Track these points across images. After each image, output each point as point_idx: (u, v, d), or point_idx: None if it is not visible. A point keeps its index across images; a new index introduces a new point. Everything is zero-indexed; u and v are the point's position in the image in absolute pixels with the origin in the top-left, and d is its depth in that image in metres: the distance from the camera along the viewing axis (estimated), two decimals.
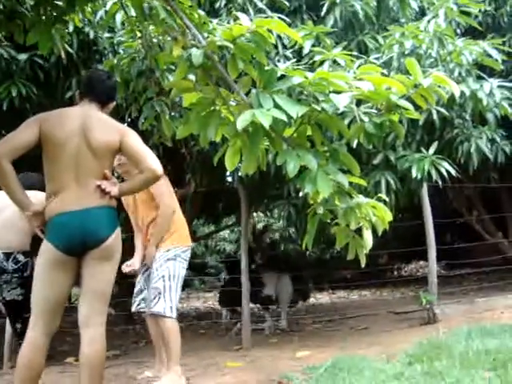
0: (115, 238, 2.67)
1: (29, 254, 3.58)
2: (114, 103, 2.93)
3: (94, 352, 2.59)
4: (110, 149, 2.68)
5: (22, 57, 4.25)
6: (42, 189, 2.78)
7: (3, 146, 2.55)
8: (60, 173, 2.64)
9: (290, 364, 4.14)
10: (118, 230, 2.71)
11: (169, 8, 2.25)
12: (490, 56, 4.29)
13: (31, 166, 3.35)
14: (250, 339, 5.14)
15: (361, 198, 2.29)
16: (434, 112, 4.20)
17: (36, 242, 2.82)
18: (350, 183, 2.33)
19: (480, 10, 5.16)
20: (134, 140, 2.69)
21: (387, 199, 2.66)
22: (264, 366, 4.20)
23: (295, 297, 6.21)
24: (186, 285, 10.70)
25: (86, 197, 2.62)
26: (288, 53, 4.38)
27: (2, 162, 2.50)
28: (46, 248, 2.64)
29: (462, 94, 4.26)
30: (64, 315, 2.89)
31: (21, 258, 3.55)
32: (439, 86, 2.25)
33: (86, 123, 2.67)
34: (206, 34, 2.37)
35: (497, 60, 4.29)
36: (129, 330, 6.40)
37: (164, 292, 3.70)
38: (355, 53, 3.74)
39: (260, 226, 10.62)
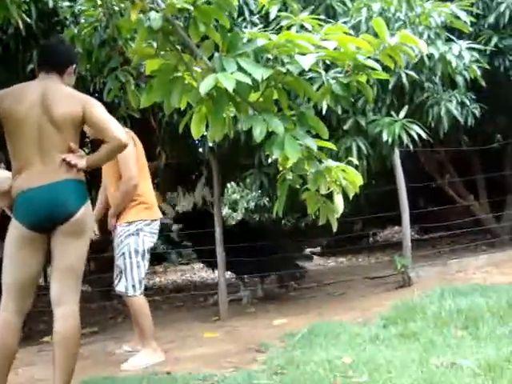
0: (84, 212, 2.60)
1: None
2: (74, 66, 2.81)
3: (67, 330, 2.55)
4: (72, 121, 2.60)
5: None
6: None
7: None
8: (23, 149, 2.57)
9: (267, 332, 4.16)
10: (88, 204, 2.65)
11: None
12: (458, 18, 4.26)
13: None
14: (227, 310, 5.15)
15: (330, 162, 2.26)
16: (404, 75, 4.18)
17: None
18: (321, 148, 2.31)
19: None
20: (96, 110, 2.61)
21: (357, 163, 2.65)
22: (241, 336, 4.22)
23: (287, 278, 6.16)
24: (163, 258, 10.67)
25: (52, 171, 2.56)
26: (255, 19, 4.30)
27: None
28: (14, 226, 2.58)
29: (431, 56, 4.24)
30: (40, 294, 2.83)
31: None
32: (407, 46, 2.22)
33: (45, 96, 2.59)
34: None
35: (465, 22, 4.26)
36: (106, 306, 6.36)
37: (125, 270, 3.60)
38: (323, 17, 3.67)
39: (235, 196, 10.58)
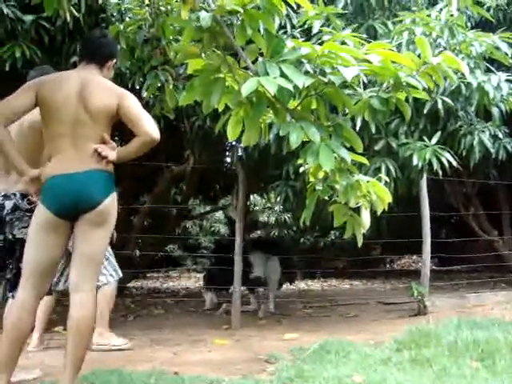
0: (110, 203, 2.62)
1: None
2: (114, 61, 2.85)
3: (82, 316, 2.56)
4: (107, 113, 2.63)
5: (28, 18, 4.17)
6: None
7: None
8: (57, 136, 2.61)
9: (277, 345, 4.14)
10: (114, 195, 2.67)
11: None
12: (499, 49, 4.24)
13: None
14: (239, 319, 5.14)
15: (361, 177, 2.27)
16: (440, 101, 4.17)
17: None
18: (352, 161, 2.31)
19: (490, 6, 5.14)
20: (131, 104, 2.63)
21: (387, 179, 2.64)
22: (251, 345, 4.20)
23: (281, 279, 6.20)
24: (178, 264, 10.70)
25: (82, 160, 2.59)
26: (296, 33, 4.34)
27: None
28: (40, 210, 2.62)
29: (469, 85, 4.23)
30: None
31: (34, 199, 3.49)
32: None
33: (83, 87, 2.63)
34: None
35: (506, 54, 4.25)
36: (118, 303, 6.38)
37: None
38: (364, 36, 3.70)
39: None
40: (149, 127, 2.57)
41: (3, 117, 2.53)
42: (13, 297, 2.93)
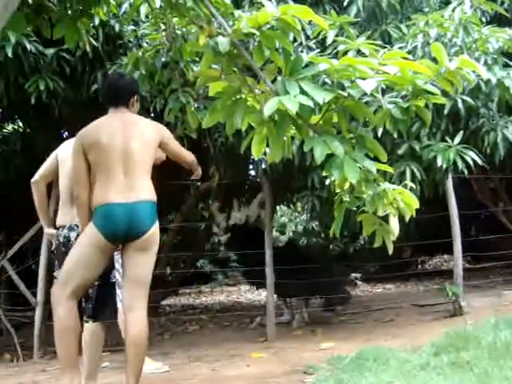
0: (155, 231, 2.89)
1: None
2: (137, 96, 3.10)
3: (138, 332, 2.81)
4: (153, 146, 2.94)
5: (49, 51, 4.32)
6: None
7: (79, 190, 2.88)
8: (108, 169, 2.85)
9: (314, 355, 4.14)
10: (157, 223, 2.92)
11: None
12: None
13: None
14: (274, 331, 5.15)
15: (387, 185, 2.28)
16: (460, 101, 4.15)
17: None
18: (377, 170, 2.33)
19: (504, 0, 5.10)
20: (169, 135, 3.07)
21: (413, 185, 2.65)
22: (288, 357, 4.21)
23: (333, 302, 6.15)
24: (210, 279, 10.73)
25: (134, 190, 2.84)
26: (311, 43, 4.37)
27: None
28: (92, 230, 2.82)
29: (488, 82, 4.20)
30: None
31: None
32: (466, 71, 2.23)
33: (126, 125, 2.90)
34: (231, 23, 2.39)
35: None
36: (153, 322, 6.45)
37: None
38: (379, 42, 3.71)
39: (283, 219, 10.56)
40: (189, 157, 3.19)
41: (83, 188, 2.89)
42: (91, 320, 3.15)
